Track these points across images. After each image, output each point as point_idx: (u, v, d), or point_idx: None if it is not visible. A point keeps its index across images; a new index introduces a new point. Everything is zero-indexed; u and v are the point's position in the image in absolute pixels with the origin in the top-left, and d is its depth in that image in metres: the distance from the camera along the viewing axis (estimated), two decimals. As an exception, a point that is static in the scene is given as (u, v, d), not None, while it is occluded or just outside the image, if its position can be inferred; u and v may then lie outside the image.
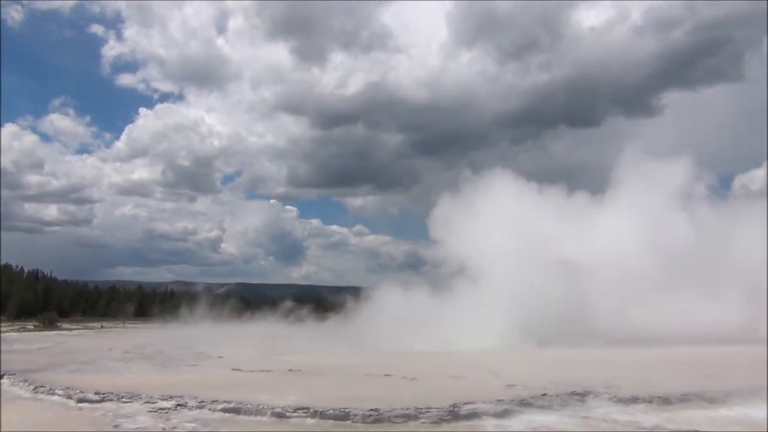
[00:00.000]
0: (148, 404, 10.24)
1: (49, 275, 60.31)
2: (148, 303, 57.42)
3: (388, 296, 30.05)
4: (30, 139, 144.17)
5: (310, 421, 9.28)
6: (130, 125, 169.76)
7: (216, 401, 10.01)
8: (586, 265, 25.84)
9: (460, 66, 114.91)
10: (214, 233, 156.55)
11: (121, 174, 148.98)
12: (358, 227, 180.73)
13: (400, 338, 23.32)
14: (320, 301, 56.46)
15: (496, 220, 29.71)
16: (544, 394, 10.50)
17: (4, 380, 13.38)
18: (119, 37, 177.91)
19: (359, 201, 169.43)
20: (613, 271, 26.12)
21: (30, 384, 12.47)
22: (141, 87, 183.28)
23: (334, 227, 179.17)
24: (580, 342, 21.72)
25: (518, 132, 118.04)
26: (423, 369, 14.84)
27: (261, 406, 9.69)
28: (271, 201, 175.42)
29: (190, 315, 44.15)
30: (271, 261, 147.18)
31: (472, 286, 27.87)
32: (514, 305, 24.48)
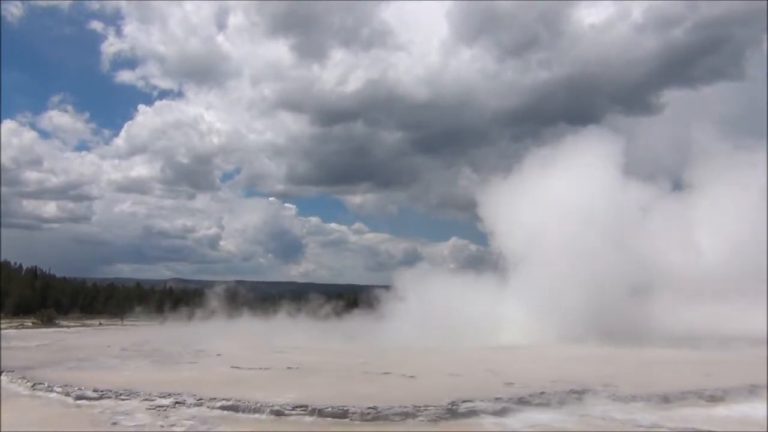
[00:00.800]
0: (146, 402, 10.23)
1: (47, 272, 60.08)
2: (147, 300, 57.36)
3: (425, 288, 27.74)
4: (29, 135, 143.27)
5: (308, 418, 9.28)
6: (129, 122, 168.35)
7: (214, 399, 10.01)
8: (659, 267, 24.28)
9: (460, 63, 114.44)
10: (212, 231, 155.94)
11: (120, 171, 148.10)
12: (357, 225, 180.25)
13: (431, 334, 22.08)
14: (350, 295, 54.20)
15: (563, 202, 26.03)
16: (543, 393, 10.50)
17: (3, 377, 13.37)
18: (119, 33, 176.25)
19: (358, 199, 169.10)
20: (687, 271, 24.76)
21: (28, 381, 12.47)
22: (140, 84, 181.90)
23: (333, 225, 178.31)
24: (630, 341, 20.54)
25: (518, 130, 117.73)
26: (422, 367, 14.84)
27: (259, 404, 9.69)
28: (270, 199, 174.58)
29: (189, 312, 43.97)
30: (270, 259, 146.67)
31: (522, 276, 25.93)
32: (570, 298, 22.75)
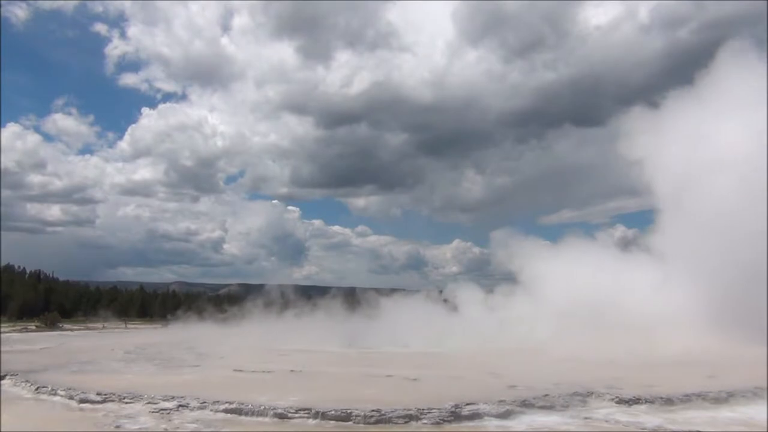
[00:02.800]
0: (149, 405, 10.24)
1: (51, 276, 60.42)
2: (150, 304, 57.44)
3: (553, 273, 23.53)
4: (32, 138, 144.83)
5: (311, 421, 9.27)
6: (133, 125, 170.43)
7: (218, 402, 10.01)
8: None
9: (465, 64, 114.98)
10: (216, 234, 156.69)
11: (123, 174, 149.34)
12: (360, 228, 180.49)
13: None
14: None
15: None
16: (546, 395, 10.48)
17: (6, 381, 13.39)
18: (123, 35, 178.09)
19: (362, 201, 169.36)
20: None
21: (32, 384, 12.48)
22: (144, 87, 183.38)
23: (337, 228, 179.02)
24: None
25: (522, 131, 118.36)
26: (424, 370, 14.83)
27: (262, 407, 9.69)
28: (274, 201, 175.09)
29: (192, 315, 43.90)
30: (273, 261, 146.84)
31: (688, 255, 20.39)
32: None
